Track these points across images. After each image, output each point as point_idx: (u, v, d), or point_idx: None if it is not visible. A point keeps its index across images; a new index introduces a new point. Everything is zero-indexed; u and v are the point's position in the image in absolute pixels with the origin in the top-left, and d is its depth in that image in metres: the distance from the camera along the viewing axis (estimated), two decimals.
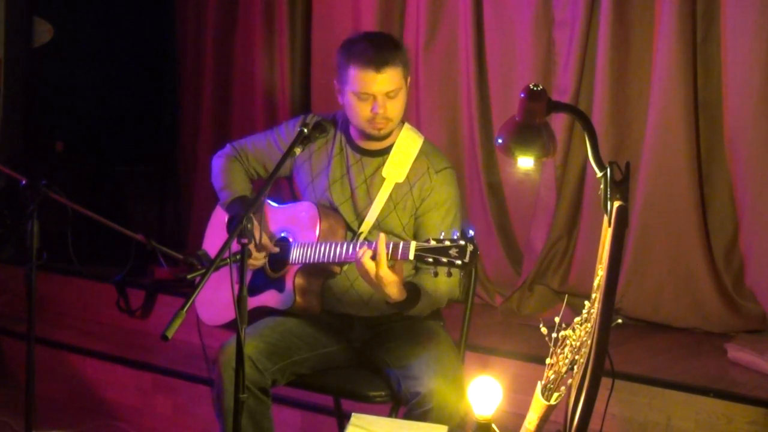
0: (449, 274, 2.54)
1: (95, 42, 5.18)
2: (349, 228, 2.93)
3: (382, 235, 2.63)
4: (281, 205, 3.04)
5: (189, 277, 2.79)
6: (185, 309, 2.27)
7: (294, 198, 3.13)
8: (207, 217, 3.26)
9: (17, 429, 3.88)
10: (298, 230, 2.91)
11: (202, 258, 2.95)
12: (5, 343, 4.62)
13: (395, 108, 2.85)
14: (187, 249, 5.06)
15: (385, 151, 2.95)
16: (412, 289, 2.76)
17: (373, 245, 2.61)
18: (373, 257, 2.60)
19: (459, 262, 2.50)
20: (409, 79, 2.92)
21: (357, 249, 2.67)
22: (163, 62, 5.50)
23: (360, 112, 2.85)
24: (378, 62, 2.79)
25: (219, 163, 3.13)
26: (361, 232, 2.90)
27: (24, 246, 2.91)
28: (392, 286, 2.64)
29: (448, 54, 4.61)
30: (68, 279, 4.87)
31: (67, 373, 4.41)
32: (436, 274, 2.58)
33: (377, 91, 2.81)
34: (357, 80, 2.81)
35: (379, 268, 2.60)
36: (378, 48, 2.81)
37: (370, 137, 2.92)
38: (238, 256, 2.44)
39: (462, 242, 2.51)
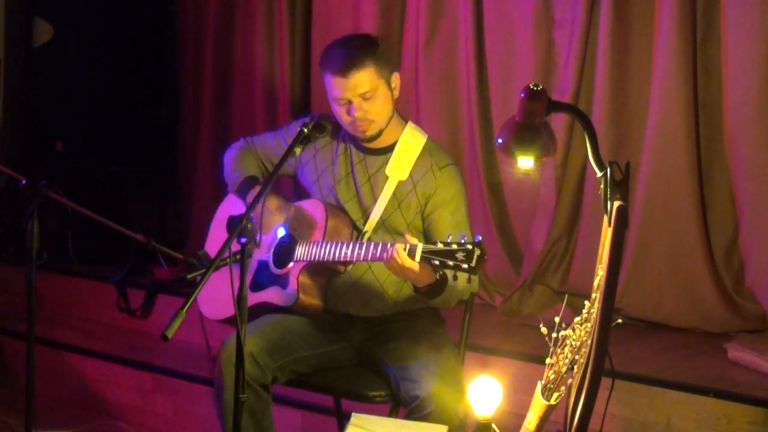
0: (455, 278, 2.54)
1: (95, 42, 5.18)
2: (354, 227, 2.93)
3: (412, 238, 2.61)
4: (289, 203, 3.04)
5: (189, 276, 2.79)
6: (185, 309, 2.28)
7: (298, 196, 3.13)
8: (207, 217, 3.27)
9: (17, 429, 3.88)
10: (304, 228, 2.91)
11: (202, 258, 2.95)
12: (5, 343, 4.62)
13: (374, 109, 2.85)
14: (187, 249, 5.06)
15: (389, 150, 2.95)
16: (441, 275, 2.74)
17: (389, 248, 2.60)
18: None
19: (465, 266, 2.50)
20: (396, 76, 2.91)
21: (370, 250, 2.67)
22: (163, 62, 5.50)
23: (341, 117, 2.89)
24: (344, 67, 2.81)
25: (231, 153, 3.18)
26: (366, 231, 2.90)
27: (24, 246, 2.91)
28: (423, 272, 2.62)
29: (448, 54, 4.61)
30: (68, 279, 4.87)
31: (67, 373, 4.41)
32: (441, 276, 2.59)
33: (350, 95, 2.83)
34: (330, 87, 2.86)
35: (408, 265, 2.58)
36: (344, 52, 2.83)
37: (362, 140, 2.93)
38: (238, 256, 2.44)
39: (469, 246, 2.51)
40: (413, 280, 2.67)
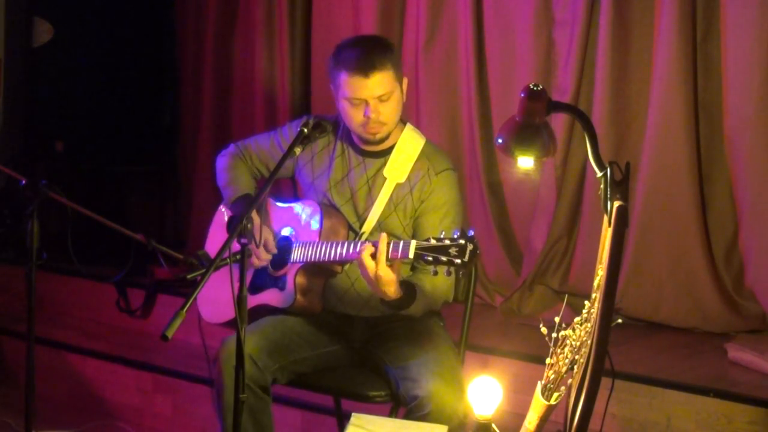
0: (449, 273, 2.54)
1: (95, 42, 5.18)
2: (351, 228, 2.93)
3: (384, 235, 2.63)
4: (284, 204, 3.04)
5: (189, 277, 2.79)
6: (185, 309, 2.27)
7: (296, 197, 3.13)
8: (207, 217, 3.26)
9: (17, 429, 3.88)
10: (301, 229, 2.91)
11: (202, 258, 2.95)
12: (5, 343, 4.62)
13: (388, 111, 2.84)
14: (187, 249, 5.07)
15: (387, 152, 2.95)
16: (409, 289, 2.75)
17: (375, 243, 2.62)
18: (374, 255, 2.60)
19: (459, 261, 2.50)
20: (405, 81, 2.90)
21: (359, 248, 2.68)
22: (163, 62, 5.50)
23: (353, 118, 2.85)
24: (366, 67, 2.78)
25: (223, 161, 3.13)
26: (363, 233, 2.90)
27: (24, 246, 2.91)
28: (389, 285, 2.63)
29: (448, 54, 4.61)
30: (68, 279, 4.87)
31: (67, 373, 4.41)
32: (435, 273, 2.58)
33: (368, 95, 2.80)
34: (347, 86, 2.81)
35: (378, 267, 2.59)
36: (366, 52, 2.80)
37: (367, 141, 2.92)
38: (238, 256, 2.44)
39: (462, 241, 2.50)
40: (380, 288, 2.65)
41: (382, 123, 2.85)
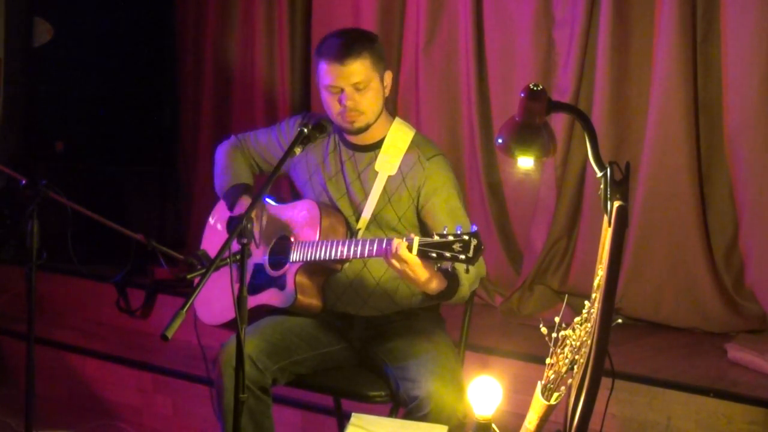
0: (452, 269, 2.53)
1: (95, 42, 5.18)
2: (347, 225, 2.94)
3: (412, 240, 2.57)
4: (282, 204, 3.04)
5: (189, 277, 2.79)
6: (185, 309, 2.28)
7: (294, 196, 3.13)
8: (207, 217, 3.27)
9: (17, 429, 3.88)
10: (300, 228, 2.91)
11: (202, 258, 2.96)
12: (5, 343, 4.62)
13: (366, 101, 2.85)
14: (187, 249, 5.06)
15: (377, 146, 2.96)
16: (450, 276, 2.70)
17: (390, 240, 2.60)
18: (395, 253, 2.56)
19: (463, 256, 2.49)
20: (387, 74, 2.91)
21: (366, 247, 2.66)
22: (163, 62, 5.50)
23: (331, 106, 2.88)
24: (341, 54, 2.81)
25: (222, 151, 3.17)
26: (359, 229, 2.90)
27: (24, 246, 2.92)
28: (432, 279, 2.61)
29: (448, 54, 4.61)
30: (68, 279, 4.87)
31: (67, 373, 4.41)
32: (439, 269, 2.58)
33: (344, 83, 2.82)
34: (325, 74, 2.85)
35: (413, 266, 2.56)
36: (343, 41, 2.84)
37: (349, 132, 2.93)
38: (237, 256, 2.44)
39: (465, 237, 2.50)
40: (417, 281, 2.64)
41: (360, 112, 2.86)
